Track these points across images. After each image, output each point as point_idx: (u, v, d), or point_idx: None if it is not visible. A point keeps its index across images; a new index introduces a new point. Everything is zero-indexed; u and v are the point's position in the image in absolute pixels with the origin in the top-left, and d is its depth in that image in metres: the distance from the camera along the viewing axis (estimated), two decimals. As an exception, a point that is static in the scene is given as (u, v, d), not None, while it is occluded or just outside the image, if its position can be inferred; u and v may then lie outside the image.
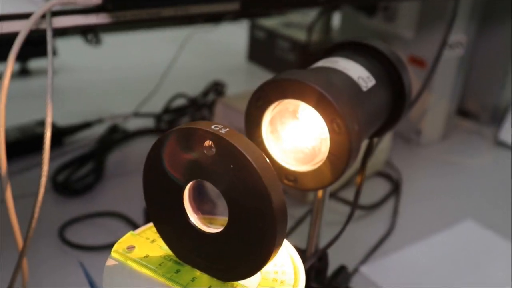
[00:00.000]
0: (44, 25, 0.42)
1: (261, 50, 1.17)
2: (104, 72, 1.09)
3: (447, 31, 0.67)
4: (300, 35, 1.10)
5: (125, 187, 0.74)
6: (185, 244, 0.30)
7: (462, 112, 1.01)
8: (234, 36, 1.35)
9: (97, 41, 0.85)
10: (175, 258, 0.31)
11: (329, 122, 0.33)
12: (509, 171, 0.87)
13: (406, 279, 0.62)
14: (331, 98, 0.32)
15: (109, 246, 0.62)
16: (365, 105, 0.35)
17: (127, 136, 0.83)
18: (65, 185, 0.69)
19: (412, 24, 0.87)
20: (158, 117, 0.89)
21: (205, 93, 0.96)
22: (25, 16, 0.42)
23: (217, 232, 0.28)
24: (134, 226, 0.66)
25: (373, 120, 0.37)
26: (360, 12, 0.93)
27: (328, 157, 0.34)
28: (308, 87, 0.33)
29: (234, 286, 0.29)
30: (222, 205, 0.28)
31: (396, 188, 0.78)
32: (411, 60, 0.89)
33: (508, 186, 0.83)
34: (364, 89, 0.36)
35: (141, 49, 1.24)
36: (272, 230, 0.26)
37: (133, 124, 0.87)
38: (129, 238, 0.32)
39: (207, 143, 0.27)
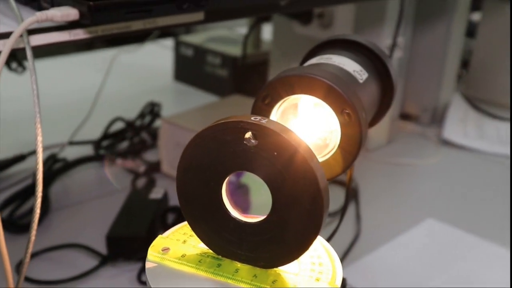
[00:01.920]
0: (21, 45, 0.45)
1: (188, 68, 1.22)
2: (29, 101, 1.09)
3: (396, 32, 0.76)
4: (231, 50, 1.16)
5: (74, 218, 0.76)
6: (224, 238, 0.34)
7: (403, 115, 1.11)
8: (157, 56, 1.39)
9: (23, 69, 0.86)
10: (212, 254, 0.35)
11: (339, 112, 0.38)
12: (457, 168, 0.97)
13: (383, 279, 0.68)
14: (340, 89, 0.37)
15: (73, 279, 0.64)
16: (364, 96, 0.41)
17: (67, 166, 0.84)
18: (11, 222, 0.70)
19: (348, 30, 0.96)
20: (97, 143, 0.91)
21: (142, 115, 0.99)
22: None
23: (260, 221, 0.33)
24: (97, 255, 0.68)
25: (370, 110, 0.43)
26: (294, 20, 1.01)
27: (340, 147, 0.39)
28: (317, 80, 0.38)
29: (278, 272, 0.33)
30: (262, 194, 0.32)
31: (355, 194, 0.85)
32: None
33: (460, 181, 0.93)
34: (361, 81, 0.42)
35: (64, 75, 1.25)
36: (320, 210, 0.31)
37: (67, 153, 0.88)
38: (160, 241, 0.36)
39: (248, 134, 0.31)
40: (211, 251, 0.35)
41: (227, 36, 1.25)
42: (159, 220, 0.74)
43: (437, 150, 1.02)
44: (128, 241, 0.70)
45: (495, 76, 1.24)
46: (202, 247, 0.35)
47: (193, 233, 0.36)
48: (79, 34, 0.49)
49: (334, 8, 0.95)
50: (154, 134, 0.97)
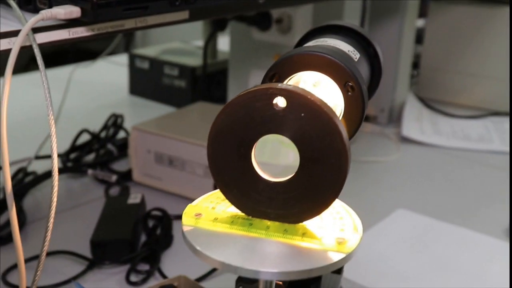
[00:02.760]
0: (27, 43, 0.48)
1: (144, 81, 1.25)
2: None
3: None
4: (188, 61, 1.21)
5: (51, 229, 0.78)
6: (254, 199, 0.38)
7: (362, 116, 1.18)
8: (110, 72, 1.42)
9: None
10: (243, 215, 0.39)
11: (343, 85, 0.43)
12: (418, 161, 1.05)
13: (365, 267, 0.74)
14: (342, 64, 0.43)
15: (61, 284, 0.67)
16: (361, 72, 0.47)
17: (38, 179, 0.86)
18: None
19: (308, 33, 1.03)
20: (65, 156, 0.93)
21: (106, 127, 1.02)
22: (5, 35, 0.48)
23: (288, 179, 0.38)
24: (82, 260, 0.71)
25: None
26: (253, 27, 1.07)
27: (343, 118, 0.44)
28: (321, 57, 0.43)
29: (305, 226, 0.38)
30: (289, 153, 0.37)
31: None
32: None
33: (422, 173, 1.00)
34: (355, 60, 0.47)
35: (19, 94, 1.26)
36: (345, 163, 0.36)
37: (35, 168, 0.90)
38: (191, 208, 0.40)
39: (277, 99, 0.36)
40: (241, 213, 0.39)
41: (182, 48, 1.30)
42: (141, 223, 0.78)
43: (398, 146, 1.10)
44: (113, 244, 0.73)
45: (444, 77, 1.34)
46: (231, 211, 0.40)
47: (220, 200, 0.41)
48: (77, 33, 0.53)
49: (292, 13, 1.02)
50: (119, 145, 1.00)
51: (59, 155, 0.95)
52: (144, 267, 0.71)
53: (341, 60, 0.44)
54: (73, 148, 0.96)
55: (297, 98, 0.36)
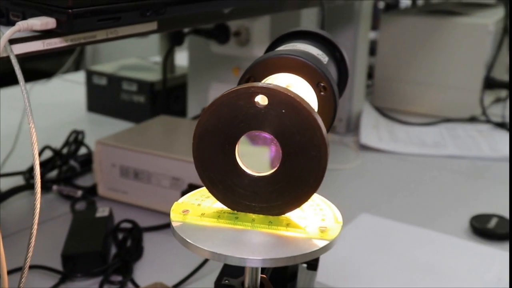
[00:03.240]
0: (4, 54, 0.50)
1: (102, 97, 1.27)
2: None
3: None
4: (146, 76, 1.23)
5: (18, 245, 0.78)
6: (239, 194, 0.41)
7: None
8: (65, 90, 1.42)
9: None
10: (228, 210, 0.42)
11: (315, 86, 0.47)
12: (377, 168, 1.10)
13: (333, 270, 0.77)
14: (314, 65, 0.46)
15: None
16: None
17: (1, 197, 0.86)
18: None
19: (266, 44, 1.05)
20: (29, 172, 0.94)
21: (67, 144, 1.03)
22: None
23: (272, 173, 0.40)
24: (54, 273, 0.72)
25: (334, 88, 0.52)
26: (211, 40, 1.10)
27: (317, 116, 0.47)
28: (293, 59, 0.46)
29: (288, 217, 0.41)
30: (271, 149, 0.40)
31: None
32: (271, 80, 1.07)
33: (381, 179, 1.05)
34: (325, 62, 0.51)
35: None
36: (325, 155, 0.39)
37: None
38: (177, 206, 0.42)
39: (259, 97, 0.39)
40: (226, 208, 0.42)
41: (139, 63, 1.32)
42: (111, 235, 0.79)
43: (357, 154, 1.14)
44: (85, 257, 0.74)
45: (397, 86, 1.39)
46: (217, 206, 0.42)
47: (204, 197, 0.43)
48: (51, 44, 0.55)
49: (249, 25, 1.05)
50: (81, 161, 1.01)
51: (21, 173, 0.95)
52: (117, 278, 0.73)
53: (313, 61, 0.47)
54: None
55: (278, 96, 0.39)
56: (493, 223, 0.88)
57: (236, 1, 0.66)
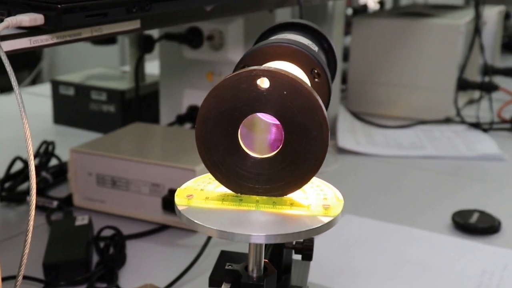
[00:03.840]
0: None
1: (70, 108, 1.28)
2: None
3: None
4: (116, 85, 1.25)
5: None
6: (243, 177, 0.44)
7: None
8: (29, 102, 1.42)
9: None
10: (232, 193, 0.44)
11: (309, 72, 0.50)
12: (356, 170, 1.13)
13: (320, 269, 0.80)
14: (307, 52, 0.50)
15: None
16: (321, 63, 0.53)
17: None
18: None
19: (241, 47, 1.10)
20: (0, 185, 0.95)
21: (38, 155, 1.04)
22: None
23: (274, 154, 0.43)
24: (37, 283, 0.73)
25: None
26: (184, 45, 1.13)
27: (311, 103, 0.51)
28: (287, 47, 0.50)
29: (291, 197, 0.44)
30: (273, 131, 0.43)
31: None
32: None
33: (361, 181, 1.09)
34: (315, 51, 0.54)
35: None
36: (326, 134, 0.42)
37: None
38: (181, 191, 0.45)
39: (260, 80, 0.42)
40: (230, 191, 0.45)
41: (107, 72, 1.34)
42: (92, 243, 0.81)
43: (336, 158, 1.18)
44: (67, 265, 0.75)
45: (371, 90, 1.44)
46: (220, 191, 0.45)
47: (207, 183, 0.46)
48: (38, 41, 0.57)
49: (223, 29, 1.08)
50: (53, 173, 1.02)
51: (-8, 185, 0.96)
52: (101, 285, 0.74)
53: (306, 49, 0.50)
54: (7, 177, 0.97)
55: (280, 78, 0.42)
56: (474, 218, 0.92)
57: (219, -2, 0.69)
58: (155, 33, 1.20)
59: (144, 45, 1.22)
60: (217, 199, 0.44)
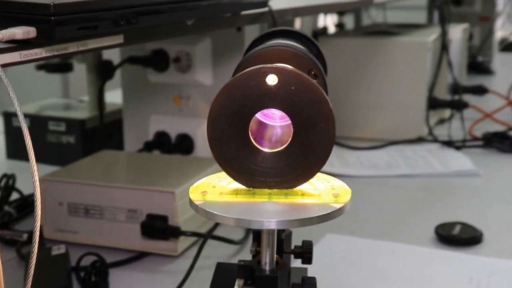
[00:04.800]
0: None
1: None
2: None
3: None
4: (74, 114, 1.30)
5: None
6: (254, 171, 0.50)
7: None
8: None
9: None
10: (244, 188, 0.50)
11: (307, 73, 0.56)
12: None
13: None
14: (304, 54, 0.56)
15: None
16: (315, 66, 0.60)
17: None
18: None
19: (209, 68, 1.16)
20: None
21: (-1, 189, 1.07)
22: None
23: (284, 148, 0.49)
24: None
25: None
26: (148, 69, 1.18)
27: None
28: (283, 50, 0.56)
29: (302, 189, 0.50)
30: (282, 126, 0.50)
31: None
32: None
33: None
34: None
35: None
36: (332, 126, 0.49)
37: None
38: (194, 189, 0.50)
39: (269, 76, 0.49)
40: (242, 186, 0.50)
41: (63, 102, 1.38)
42: (72, 272, 0.85)
43: (311, 180, 1.25)
44: (51, 293, 0.79)
45: (340, 112, 1.52)
46: (232, 186, 0.51)
47: (219, 180, 0.52)
48: (28, 55, 0.62)
49: (190, 50, 1.15)
50: (16, 207, 1.06)
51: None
52: (86, 312, 0.79)
53: (302, 52, 0.57)
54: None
55: (287, 74, 0.48)
56: (457, 229, 1.00)
57: (202, 11, 0.75)
58: (116, 58, 1.26)
59: (103, 71, 1.27)
60: (231, 193, 0.50)
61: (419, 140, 1.49)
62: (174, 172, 0.99)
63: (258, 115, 0.50)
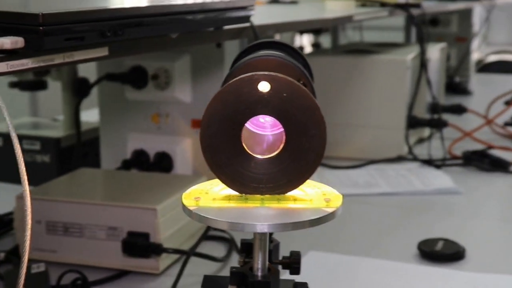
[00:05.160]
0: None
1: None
2: None
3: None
4: (50, 133, 1.31)
5: None
6: (247, 177, 0.52)
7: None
8: None
9: None
10: (237, 194, 0.52)
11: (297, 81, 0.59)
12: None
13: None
14: (292, 63, 0.59)
15: None
16: (303, 76, 0.63)
17: None
18: None
19: (189, 84, 1.18)
20: None
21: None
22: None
23: (277, 154, 0.52)
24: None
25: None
26: (126, 86, 1.20)
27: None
28: (273, 59, 0.59)
29: (294, 194, 0.53)
30: (274, 133, 0.52)
31: (234, 243, 1.04)
32: (195, 124, 1.18)
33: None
34: (296, 66, 0.64)
35: None
36: (324, 132, 0.51)
37: None
38: (188, 195, 0.53)
39: (261, 83, 0.51)
40: (235, 192, 0.53)
41: (35, 121, 1.39)
42: (54, 288, 0.86)
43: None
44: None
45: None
46: (224, 193, 0.53)
47: (210, 188, 0.54)
48: (14, 66, 0.64)
49: (169, 67, 1.17)
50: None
51: None
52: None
53: (291, 61, 0.60)
54: None
55: (279, 81, 0.51)
56: (440, 245, 1.03)
57: (187, 25, 0.78)
58: (91, 75, 1.27)
59: (79, 89, 1.29)
60: (224, 199, 0.52)
61: (399, 159, 1.52)
62: (155, 189, 1.01)
63: (249, 125, 0.53)
